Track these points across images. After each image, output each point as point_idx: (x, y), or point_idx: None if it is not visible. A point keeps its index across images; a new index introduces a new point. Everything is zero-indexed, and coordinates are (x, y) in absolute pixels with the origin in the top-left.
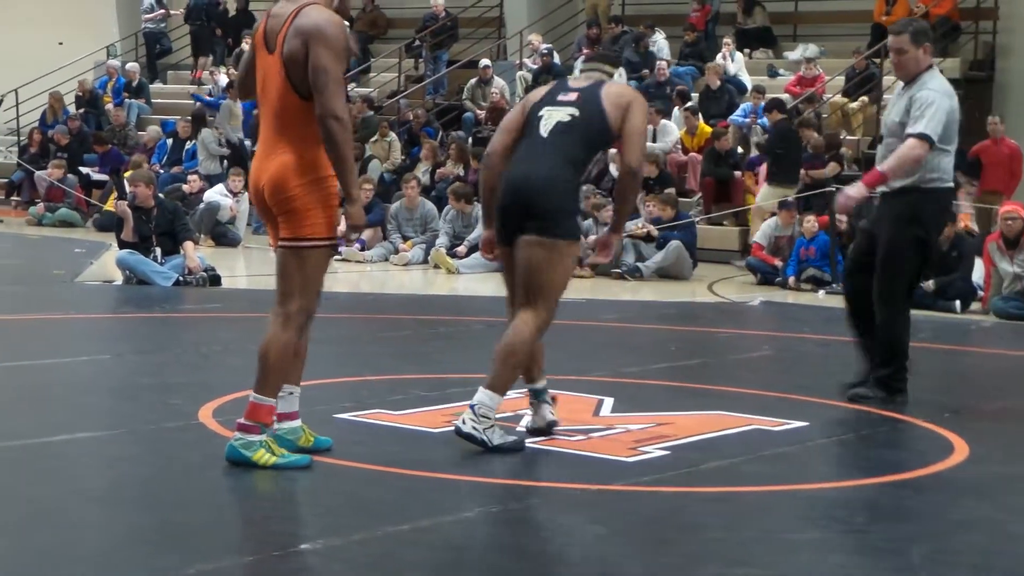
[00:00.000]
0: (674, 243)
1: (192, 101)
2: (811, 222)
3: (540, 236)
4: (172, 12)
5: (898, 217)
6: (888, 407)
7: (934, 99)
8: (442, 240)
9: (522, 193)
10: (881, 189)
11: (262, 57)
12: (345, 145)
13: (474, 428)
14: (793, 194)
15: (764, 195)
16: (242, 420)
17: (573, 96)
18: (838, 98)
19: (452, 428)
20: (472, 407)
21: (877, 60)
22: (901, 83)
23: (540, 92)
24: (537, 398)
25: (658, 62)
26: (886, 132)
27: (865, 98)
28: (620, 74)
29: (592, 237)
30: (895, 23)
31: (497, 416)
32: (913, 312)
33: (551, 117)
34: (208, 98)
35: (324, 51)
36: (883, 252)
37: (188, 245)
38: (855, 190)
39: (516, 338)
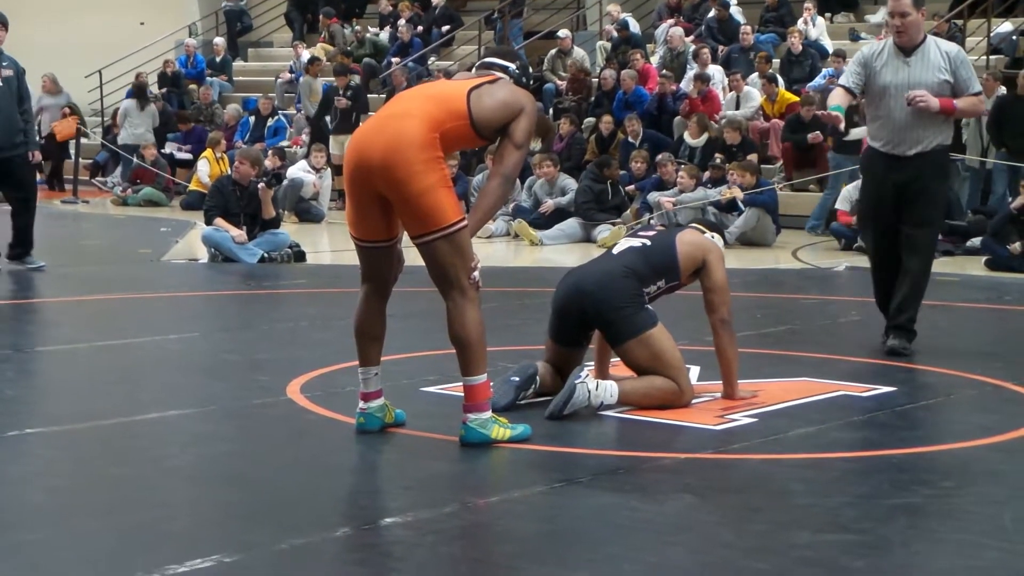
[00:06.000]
0: (751, 209)
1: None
2: None
3: (625, 343)
4: None
5: (939, 175)
6: (977, 370)
7: (969, 60)
8: (526, 203)
9: (577, 298)
10: (916, 150)
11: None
12: (502, 200)
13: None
14: None
15: None
16: (467, 404)
17: (652, 233)
18: None
19: (541, 399)
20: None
21: (959, 22)
22: (888, 48)
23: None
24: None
25: (742, 27)
26: (899, 93)
27: None
28: (516, 67)
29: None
30: None
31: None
32: (999, 275)
33: (626, 243)
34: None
35: (527, 125)
36: (928, 206)
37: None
38: (933, 102)
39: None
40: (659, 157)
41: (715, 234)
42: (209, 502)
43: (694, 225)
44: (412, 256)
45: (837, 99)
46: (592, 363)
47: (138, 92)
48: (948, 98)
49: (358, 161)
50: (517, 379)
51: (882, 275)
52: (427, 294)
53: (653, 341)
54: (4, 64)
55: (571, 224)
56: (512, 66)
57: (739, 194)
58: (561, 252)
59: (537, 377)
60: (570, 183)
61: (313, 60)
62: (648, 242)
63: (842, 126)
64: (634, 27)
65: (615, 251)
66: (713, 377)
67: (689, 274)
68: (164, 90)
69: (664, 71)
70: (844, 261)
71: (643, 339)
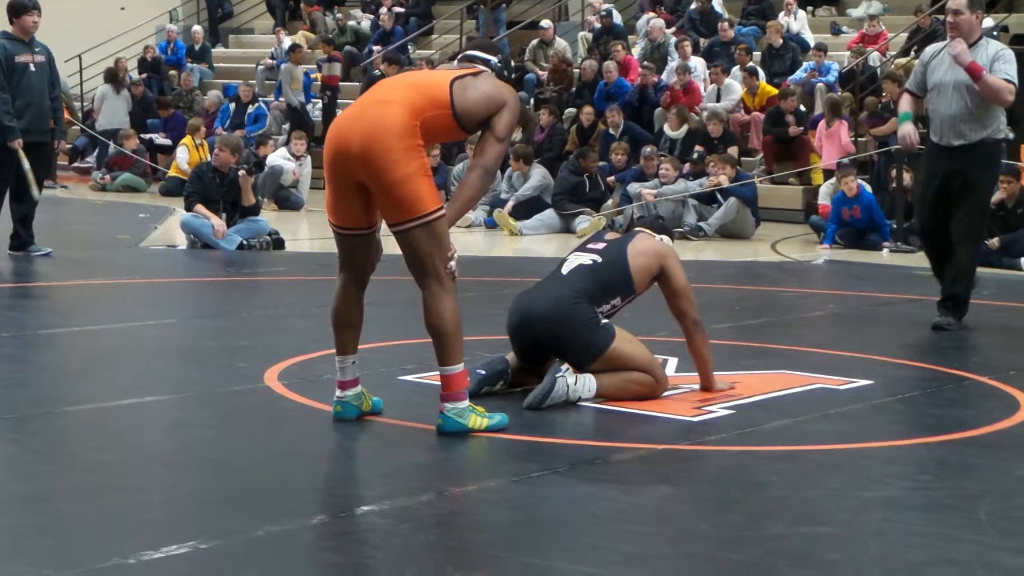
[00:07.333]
0: (731, 199)
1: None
2: (851, 181)
3: (590, 365)
4: None
5: (986, 166)
6: (954, 365)
7: (1013, 58)
8: (505, 198)
9: (530, 326)
10: (959, 142)
11: (416, 72)
12: (481, 192)
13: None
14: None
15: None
16: (444, 393)
17: (601, 245)
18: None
19: (517, 389)
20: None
21: (942, 16)
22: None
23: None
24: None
25: (721, 22)
26: (947, 89)
27: None
28: (498, 61)
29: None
30: None
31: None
32: (978, 269)
33: (575, 260)
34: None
35: (510, 119)
36: (975, 197)
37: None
38: (966, 54)
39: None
40: (647, 150)
41: (664, 236)
42: (185, 488)
43: (640, 229)
44: (390, 245)
45: (904, 106)
46: None
47: (110, 77)
48: (983, 66)
49: (338, 148)
50: (483, 372)
51: (928, 243)
52: (405, 283)
53: (617, 354)
54: (37, 50)
55: (550, 214)
56: (494, 59)
57: (725, 181)
58: (540, 242)
59: (508, 372)
60: (537, 172)
61: (294, 47)
62: (598, 258)
63: (917, 145)
64: (616, 18)
65: (564, 271)
66: (691, 369)
67: (646, 283)
68: (144, 76)
69: (645, 63)
70: (823, 254)
71: (606, 357)
